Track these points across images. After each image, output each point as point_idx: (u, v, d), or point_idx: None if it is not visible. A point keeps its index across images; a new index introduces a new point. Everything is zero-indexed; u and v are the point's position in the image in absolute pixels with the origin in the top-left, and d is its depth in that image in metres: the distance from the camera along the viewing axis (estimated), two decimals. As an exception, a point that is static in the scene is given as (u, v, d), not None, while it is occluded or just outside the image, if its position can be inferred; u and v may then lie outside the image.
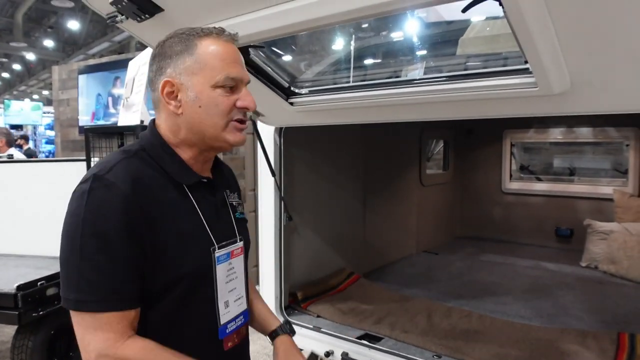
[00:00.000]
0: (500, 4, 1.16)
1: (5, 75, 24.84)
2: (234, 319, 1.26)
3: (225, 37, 1.17)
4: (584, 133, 4.25)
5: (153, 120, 1.22)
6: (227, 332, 1.24)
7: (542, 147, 4.88)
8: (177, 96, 1.14)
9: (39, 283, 3.04)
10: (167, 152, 1.16)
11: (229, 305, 1.25)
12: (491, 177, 4.84)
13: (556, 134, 4.43)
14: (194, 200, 1.17)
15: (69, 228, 1.04)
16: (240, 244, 1.30)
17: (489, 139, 4.78)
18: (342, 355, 2.24)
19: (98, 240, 1.01)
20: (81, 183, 1.06)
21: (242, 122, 1.19)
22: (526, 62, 1.41)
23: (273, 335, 1.45)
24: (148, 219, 1.05)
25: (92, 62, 7.44)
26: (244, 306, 1.32)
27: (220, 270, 1.21)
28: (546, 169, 4.87)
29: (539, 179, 4.79)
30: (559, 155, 4.81)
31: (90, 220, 1.01)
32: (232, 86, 1.15)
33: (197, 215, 1.16)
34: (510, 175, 4.77)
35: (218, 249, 1.20)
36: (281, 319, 2.50)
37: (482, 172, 4.91)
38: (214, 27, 1.18)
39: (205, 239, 1.17)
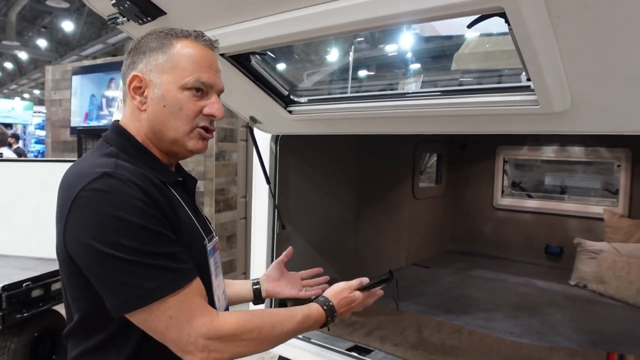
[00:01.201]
0: (507, 22, 1.17)
1: (-3, 72, 24.66)
2: None
3: (204, 42, 1.15)
4: (576, 152, 4.28)
5: (117, 122, 1.18)
6: None
7: (534, 164, 4.91)
8: (143, 92, 1.12)
9: (24, 284, 2.99)
10: (142, 152, 1.14)
11: (220, 300, 1.26)
12: (483, 192, 4.85)
13: (548, 152, 4.46)
14: (178, 197, 1.16)
15: (104, 230, 0.97)
16: (217, 238, 1.30)
17: (482, 154, 4.81)
18: (331, 367, 2.22)
19: (143, 230, 0.98)
20: (89, 183, 0.98)
21: (208, 130, 1.17)
22: (528, 79, 1.41)
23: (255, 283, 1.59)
24: (165, 211, 1.05)
25: (86, 63, 7.40)
26: (226, 300, 1.34)
27: (212, 263, 1.21)
28: (538, 186, 4.90)
29: (530, 196, 4.81)
30: (550, 173, 4.84)
31: (126, 216, 0.97)
32: (202, 91, 1.13)
33: (185, 211, 1.16)
34: (502, 191, 4.79)
35: (208, 242, 1.21)
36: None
37: (474, 187, 4.93)
38: (194, 30, 1.16)
39: (198, 233, 1.18)
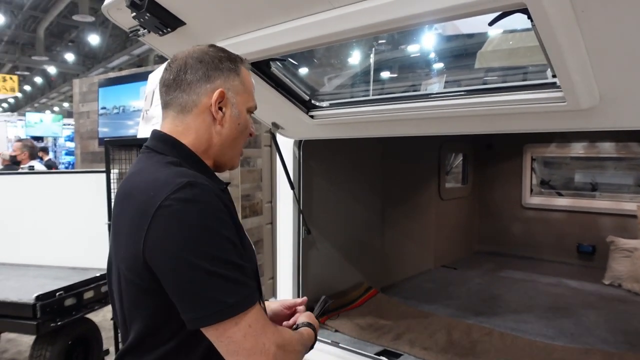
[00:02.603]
0: (529, 18, 1.14)
1: (27, 88, 25.33)
2: None
3: (250, 69, 1.30)
4: (607, 148, 4.17)
5: (160, 132, 1.19)
6: None
7: (563, 161, 4.81)
8: (221, 108, 1.18)
9: (57, 293, 3.06)
10: (198, 162, 1.18)
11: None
12: (511, 192, 4.77)
13: (578, 149, 4.36)
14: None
15: (192, 240, 0.97)
16: None
17: (508, 153, 4.73)
18: (360, 372, 2.20)
19: (227, 241, 1.01)
20: (174, 192, 0.99)
21: None
22: (554, 76, 1.38)
23: None
24: (236, 220, 1.10)
25: (112, 75, 7.55)
26: None
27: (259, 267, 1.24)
28: (567, 184, 4.78)
29: (560, 194, 4.71)
30: (580, 170, 4.72)
31: (214, 226, 1.00)
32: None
33: (236, 216, 1.18)
34: (531, 190, 4.69)
35: None
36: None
37: (501, 187, 4.85)
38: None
39: (247, 236, 1.21)
